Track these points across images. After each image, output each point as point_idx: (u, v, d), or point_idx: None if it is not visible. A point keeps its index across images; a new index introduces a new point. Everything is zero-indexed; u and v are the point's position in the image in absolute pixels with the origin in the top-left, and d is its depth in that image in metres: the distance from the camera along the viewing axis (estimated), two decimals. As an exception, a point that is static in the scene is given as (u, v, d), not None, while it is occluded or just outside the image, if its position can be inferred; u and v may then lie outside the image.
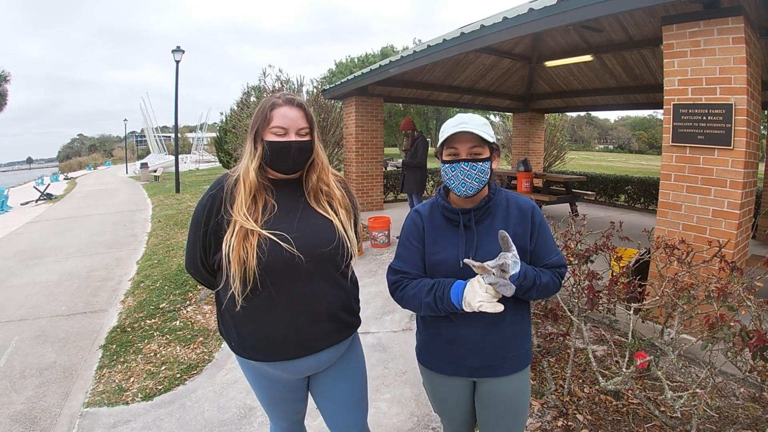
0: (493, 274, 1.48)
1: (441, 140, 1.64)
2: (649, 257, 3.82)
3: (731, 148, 3.67)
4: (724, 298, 2.22)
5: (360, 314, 1.90)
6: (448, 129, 1.61)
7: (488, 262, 1.49)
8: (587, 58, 8.89)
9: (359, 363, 1.95)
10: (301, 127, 1.69)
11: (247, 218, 1.60)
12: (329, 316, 1.70)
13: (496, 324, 1.66)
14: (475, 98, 11.98)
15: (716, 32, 3.67)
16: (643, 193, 11.62)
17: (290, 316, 1.63)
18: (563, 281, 1.73)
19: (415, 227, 1.77)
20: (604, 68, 9.59)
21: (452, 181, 1.64)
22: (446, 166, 1.65)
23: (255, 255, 1.56)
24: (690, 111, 3.85)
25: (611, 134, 72.10)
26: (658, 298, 2.74)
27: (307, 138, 1.71)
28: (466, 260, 1.51)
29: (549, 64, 9.94)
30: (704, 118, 3.77)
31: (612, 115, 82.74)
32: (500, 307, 1.50)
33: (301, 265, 1.61)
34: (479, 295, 1.50)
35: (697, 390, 2.15)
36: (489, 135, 1.62)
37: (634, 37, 7.88)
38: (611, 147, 68.77)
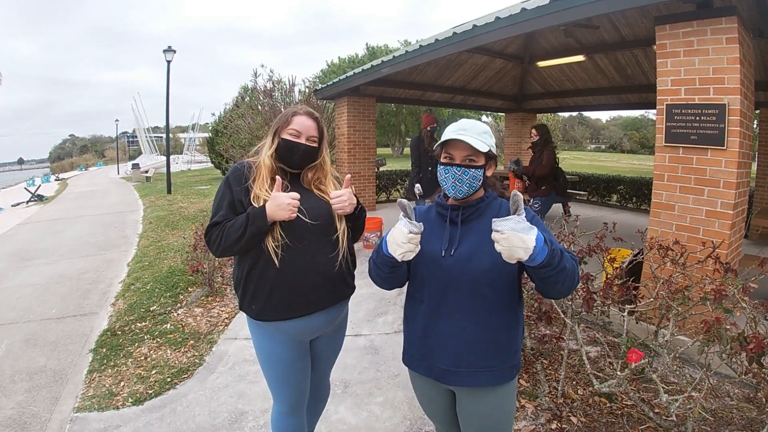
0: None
1: (440, 142, 1.68)
2: (642, 258, 3.81)
3: (724, 148, 3.66)
4: (719, 300, 2.20)
5: (352, 313, 2.26)
6: (447, 133, 1.66)
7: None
8: (579, 58, 8.89)
9: (344, 331, 2.38)
10: (312, 135, 2.06)
11: (269, 193, 1.94)
12: (337, 276, 2.06)
13: (477, 323, 1.63)
14: (468, 98, 11.98)
15: (709, 32, 3.66)
16: (635, 192, 11.65)
17: (309, 274, 1.98)
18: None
19: None
20: (597, 68, 9.61)
21: (444, 183, 1.68)
22: (441, 167, 1.69)
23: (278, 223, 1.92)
24: (683, 111, 3.84)
25: (603, 134, 72.20)
26: (652, 299, 2.72)
27: (315, 145, 2.08)
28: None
29: (541, 64, 9.93)
30: (697, 118, 3.76)
31: (604, 115, 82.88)
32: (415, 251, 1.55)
33: (313, 231, 1.98)
34: (400, 246, 1.53)
35: (693, 393, 2.13)
36: (486, 144, 1.63)
37: (626, 37, 7.89)
38: (603, 147, 68.88)
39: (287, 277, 1.96)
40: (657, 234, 4.02)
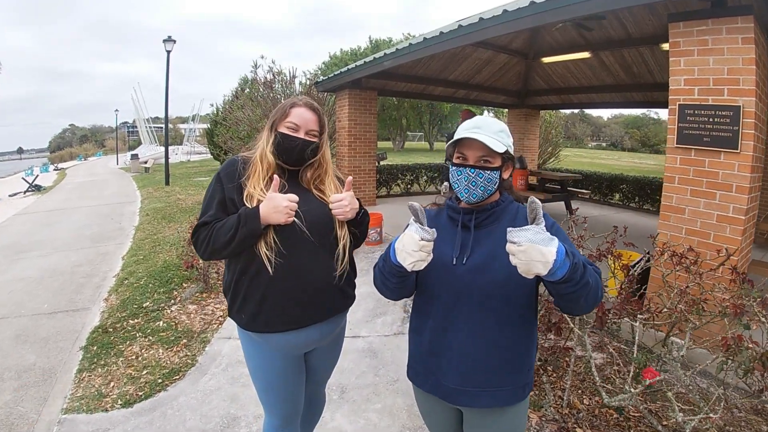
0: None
1: (452, 141, 1.54)
2: (650, 263, 3.70)
3: (738, 151, 3.54)
4: (739, 315, 2.09)
5: (350, 314, 2.13)
6: (460, 132, 1.51)
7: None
8: (585, 55, 8.77)
9: (342, 341, 2.22)
10: (311, 128, 1.89)
11: (265, 194, 1.77)
12: (336, 287, 1.91)
13: (489, 340, 1.50)
14: (471, 93, 11.84)
15: (725, 31, 3.53)
16: (637, 192, 11.54)
17: (303, 283, 1.82)
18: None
19: None
20: (602, 66, 9.46)
21: (456, 185, 1.55)
22: (453, 168, 1.56)
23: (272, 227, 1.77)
24: (696, 112, 3.71)
25: (604, 132, 72.13)
26: (666, 310, 2.61)
27: (315, 140, 1.91)
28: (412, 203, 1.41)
29: (546, 60, 9.80)
30: (711, 119, 3.64)
31: (605, 113, 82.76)
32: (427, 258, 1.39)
33: (310, 237, 1.82)
34: (410, 254, 1.38)
35: (711, 415, 2.02)
36: (502, 144, 1.50)
37: (633, 34, 7.76)
38: (604, 144, 68.88)
39: (280, 287, 1.80)
40: (666, 238, 3.90)
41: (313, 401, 2.26)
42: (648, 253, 3.86)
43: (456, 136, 1.51)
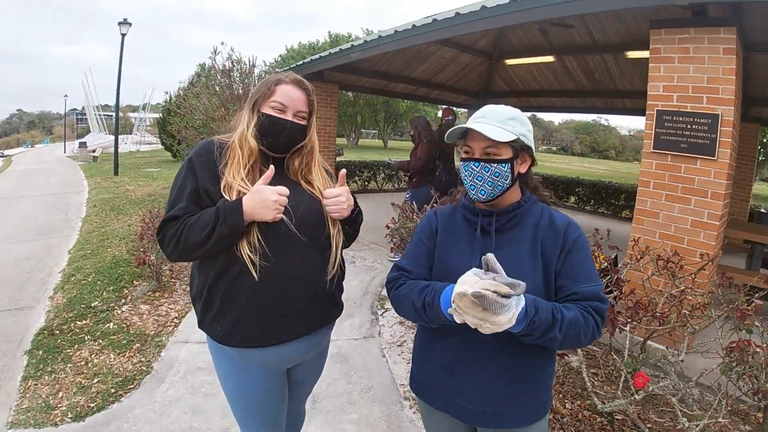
0: (495, 292, 1.11)
1: (450, 132, 1.42)
2: (618, 266, 3.70)
3: (715, 158, 3.58)
4: (743, 320, 2.06)
5: None
6: (469, 122, 1.39)
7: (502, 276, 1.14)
8: (549, 58, 8.82)
9: (326, 354, 2.05)
10: (300, 109, 1.68)
11: (246, 184, 1.56)
12: (326, 294, 1.71)
13: (511, 358, 1.36)
14: (431, 92, 11.78)
15: (707, 41, 3.58)
16: (593, 195, 11.80)
17: (291, 290, 1.60)
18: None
19: (429, 226, 1.56)
20: (565, 70, 9.54)
21: (465, 182, 1.42)
22: (462, 163, 1.43)
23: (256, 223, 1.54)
24: (674, 118, 3.73)
25: (555, 136, 74.06)
26: (659, 315, 2.56)
27: (303, 122, 1.70)
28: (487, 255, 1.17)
29: (510, 62, 9.82)
30: (689, 126, 3.67)
31: (556, 118, 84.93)
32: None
33: (300, 236, 1.60)
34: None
35: (720, 420, 1.97)
36: (510, 133, 1.35)
37: (598, 41, 7.84)
38: (554, 149, 70.79)
39: (265, 294, 1.57)
40: (640, 242, 3.91)
41: (293, 418, 2.04)
42: (616, 256, 3.84)
43: (462, 128, 1.40)
